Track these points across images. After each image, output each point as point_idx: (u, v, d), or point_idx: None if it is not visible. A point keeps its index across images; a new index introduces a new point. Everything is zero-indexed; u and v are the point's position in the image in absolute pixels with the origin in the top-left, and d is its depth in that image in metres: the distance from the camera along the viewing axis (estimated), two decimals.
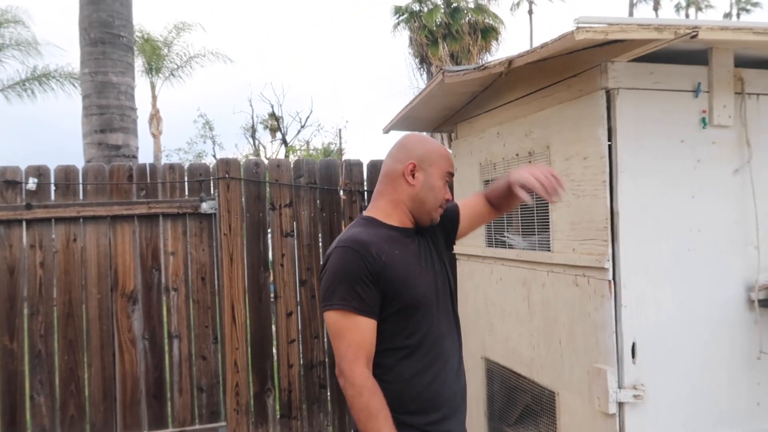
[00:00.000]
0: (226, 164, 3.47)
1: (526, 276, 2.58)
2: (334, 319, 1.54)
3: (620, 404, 2.02)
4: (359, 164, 3.67)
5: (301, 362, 3.58)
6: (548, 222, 2.37)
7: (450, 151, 1.82)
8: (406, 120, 3.18)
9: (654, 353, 2.03)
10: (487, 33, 17.64)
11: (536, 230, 2.48)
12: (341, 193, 3.62)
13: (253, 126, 26.00)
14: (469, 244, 3.07)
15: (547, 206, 2.35)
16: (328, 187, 3.60)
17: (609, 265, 2.00)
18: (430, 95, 2.80)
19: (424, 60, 18.14)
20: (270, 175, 3.53)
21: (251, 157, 8.60)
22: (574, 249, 2.20)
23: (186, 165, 3.51)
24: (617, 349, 2.02)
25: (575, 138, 2.15)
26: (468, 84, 2.70)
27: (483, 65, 2.19)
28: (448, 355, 1.73)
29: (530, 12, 32.06)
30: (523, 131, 2.51)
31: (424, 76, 18.89)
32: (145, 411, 3.41)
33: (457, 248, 3.21)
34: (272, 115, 25.29)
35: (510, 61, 1.98)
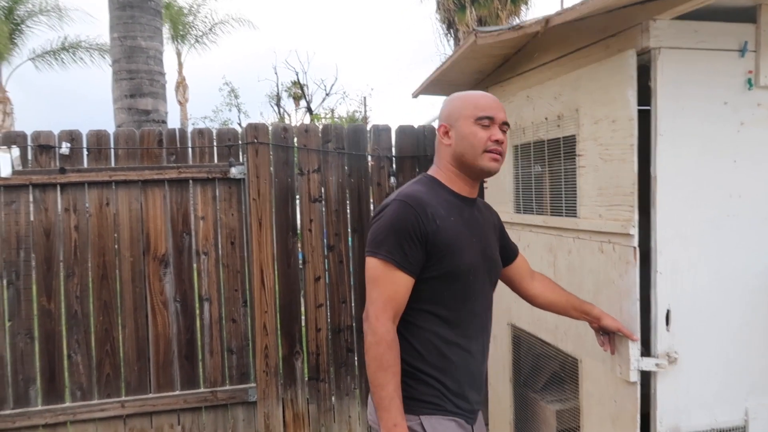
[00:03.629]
0: (254, 129, 3.46)
1: (553, 242, 2.55)
2: (374, 265, 1.57)
3: (651, 372, 2.00)
4: (387, 130, 3.64)
5: (329, 326, 3.62)
6: (575, 188, 2.32)
7: (490, 95, 1.80)
8: (437, 84, 3.13)
9: (688, 321, 2.00)
10: None
11: (563, 196, 2.44)
12: (369, 158, 3.59)
13: (277, 94, 25.98)
14: (499, 210, 3.04)
15: (575, 171, 2.31)
16: (356, 152, 3.57)
17: (635, 231, 1.96)
18: (462, 57, 2.74)
19: (451, 26, 17.76)
20: (298, 140, 3.52)
21: (279, 123, 8.60)
22: (601, 215, 2.15)
23: (215, 130, 3.52)
24: (651, 316, 1.99)
25: (604, 100, 2.08)
26: (500, 46, 2.63)
27: (518, 25, 2.12)
28: (476, 335, 1.73)
29: None
30: (552, 94, 2.44)
31: (451, 42, 18.53)
32: (177, 371, 3.49)
33: None
34: (296, 82, 25.23)
35: (547, 20, 1.92)
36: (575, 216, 2.33)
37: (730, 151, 2.01)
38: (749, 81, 2.00)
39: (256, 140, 3.43)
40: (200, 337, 3.54)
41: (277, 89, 25.46)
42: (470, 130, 1.67)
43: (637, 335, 1.97)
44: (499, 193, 3.04)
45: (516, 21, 17.62)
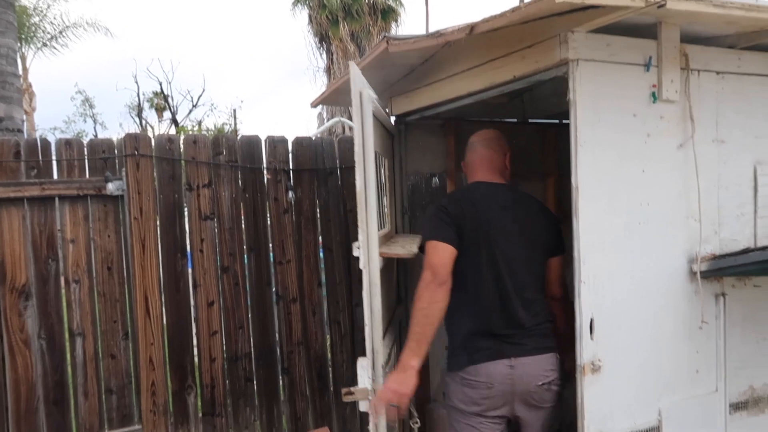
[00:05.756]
0: (135, 140, 3.09)
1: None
2: None
3: (578, 380, 2.01)
4: (284, 141, 3.42)
5: (225, 355, 3.31)
6: None
7: None
8: (338, 93, 2.99)
9: (610, 328, 2.04)
10: (387, 14, 17.62)
11: None
12: (265, 172, 3.36)
13: (139, 104, 24.34)
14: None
15: None
16: (251, 165, 3.33)
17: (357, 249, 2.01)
18: (369, 66, 2.63)
19: (324, 39, 17.81)
20: (186, 152, 3.19)
21: (164, 133, 7.89)
22: None
23: (86, 140, 3.10)
24: (576, 325, 2.00)
25: None
26: (407, 56, 2.56)
27: (438, 32, 2.06)
28: None
29: None
30: None
31: (324, 55, 18.57)
32: (43, 420, 3.00)
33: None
34: (159, 93, 23.77)
35: (472, 27, 1.86)
36: None
37: (639, 161, 2.09)
38: (653, 95, 2.09)
39: (137, 152, 3.06)
40: (72, 378, 3.07)
41: (138, 100, 23.89)
42: None
43: None
44: None
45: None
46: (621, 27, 1.98)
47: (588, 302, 1.99)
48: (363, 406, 2.02)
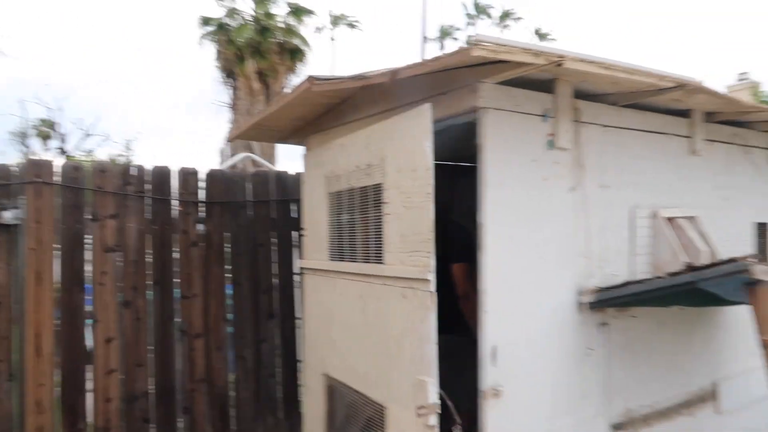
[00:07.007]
0: (36, 166, 2.93)
1: (363, 289, 2.49)
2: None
3: (480, 405, 2.12)
4: (195, 173, 3.38)
5: (121, 395, 3.14)
6: (382, 234, 2.31)
7: None
8: (257, 129, 3.03)
9: (510, 355, 2.19)
10: (295, 54, 17.82)
11: (372, 243, 2.40)
12: (176, 203, 3.29)
13: (23, 131, 22.75)
14: (315, 258, 2.99)
15: (381, 218, 2.31)
16: (161, 197, 3.25)
17: (432, 276, 1.98)
18: (289, 104, 2.71)
19: (230, 75, 17.66)
20: (93, 181, 3.07)
21: (70, 161, 7.37)
22: (403, 261, 2.16)
23: None
24: (480, 353, 2.13)
25: (407, 150, 2.12)
26: (327, 95, 2.67)
27: (362, 75, 2.18)
28: None
29: (333, 39, 33.60)
30: (363, 143, 2.47)
31: (230, 91, 18.38)
32: None
33: (304, 262, 3.12)
34: (45, 120, 22.35)
35: (395, 72, 2.00)
36: (382, 263, 2.31)
37: (537, 202, 2.30)
38: (550, 142, 2.33)
39: (38, 179, 2.90)
40: None
41: (24, 126, 22.35)
42: None
43: (435, 379, 1.97)
44: (316, 241, 3.00)
45: (292, 76, 18.27)
46: (524, 81, 2.21)
47: (491, 331, 2.13)
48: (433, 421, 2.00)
